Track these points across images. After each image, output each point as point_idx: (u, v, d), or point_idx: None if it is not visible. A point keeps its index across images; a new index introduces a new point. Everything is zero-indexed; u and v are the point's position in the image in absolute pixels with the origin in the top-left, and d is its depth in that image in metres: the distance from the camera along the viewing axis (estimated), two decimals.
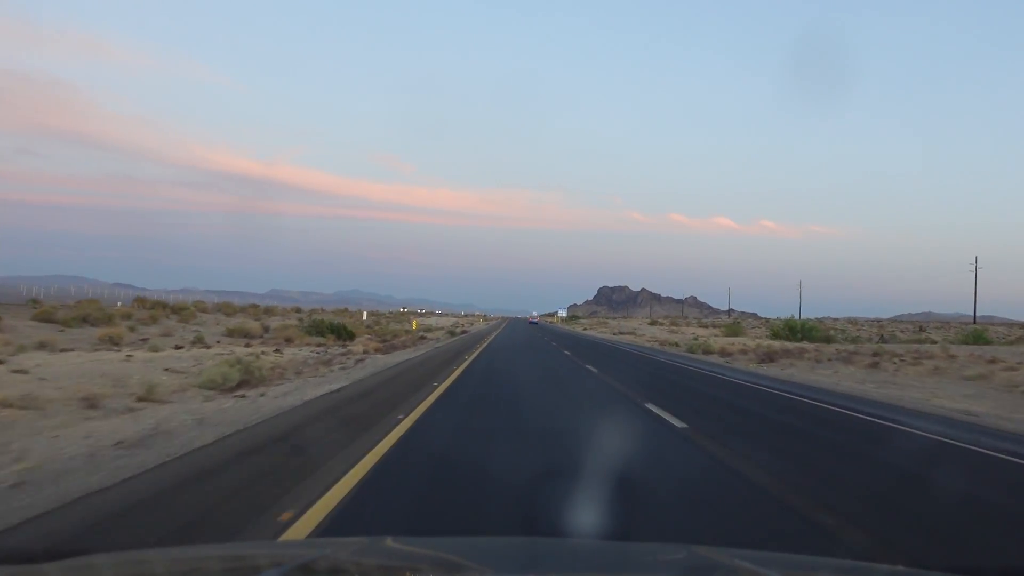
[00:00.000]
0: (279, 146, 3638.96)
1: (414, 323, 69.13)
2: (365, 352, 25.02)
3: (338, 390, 13.10)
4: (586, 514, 4.99)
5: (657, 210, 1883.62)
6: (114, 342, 24.91)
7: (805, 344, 42.06)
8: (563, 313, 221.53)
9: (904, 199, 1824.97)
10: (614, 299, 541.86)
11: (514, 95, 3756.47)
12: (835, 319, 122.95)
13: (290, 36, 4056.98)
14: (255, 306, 74.97)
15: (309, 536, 4.56)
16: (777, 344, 40.88)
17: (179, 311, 45.51)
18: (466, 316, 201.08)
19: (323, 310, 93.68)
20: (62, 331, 28.01)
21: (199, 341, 28.06)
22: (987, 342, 43.61)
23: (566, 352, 32.81)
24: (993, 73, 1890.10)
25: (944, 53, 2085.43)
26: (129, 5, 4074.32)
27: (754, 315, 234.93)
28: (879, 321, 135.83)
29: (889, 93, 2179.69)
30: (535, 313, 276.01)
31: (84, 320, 32.09)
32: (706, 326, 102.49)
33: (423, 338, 42.28)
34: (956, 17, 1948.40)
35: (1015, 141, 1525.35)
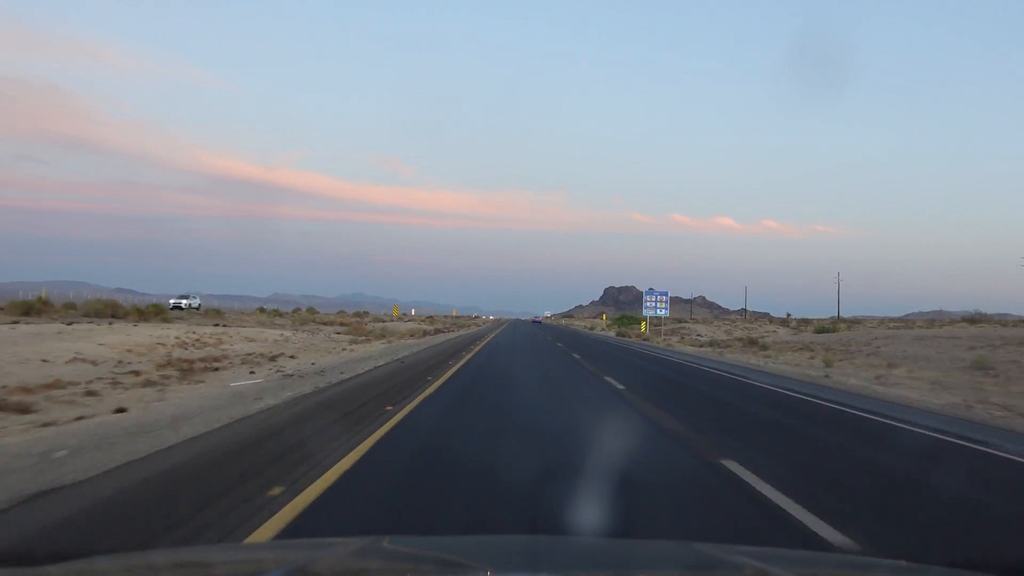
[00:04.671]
0: (280, 150, 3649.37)
1: None
2: None
3: None
4: None
5: (658, 210, 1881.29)
6: None
7: None
8: (660, 309, 66.55)
9: (907, 197, 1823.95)
10: (621, 299, 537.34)
11: (513, 97, 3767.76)
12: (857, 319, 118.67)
13: (289, 40, 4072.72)
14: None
15: None
16: None
17: None
18: (430, 319, 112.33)
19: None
20: None
21: None
22: None
23: None
24: (998, 67, 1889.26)
25: (946, 50, 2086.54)
26: (128, 10, 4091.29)
27: (767, 315, 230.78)
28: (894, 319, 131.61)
29: (892, 90, 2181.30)
30: (548, 312, 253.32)
31: None
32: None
33: None
34: (959, 14, 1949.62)
35: (1020, 135, 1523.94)
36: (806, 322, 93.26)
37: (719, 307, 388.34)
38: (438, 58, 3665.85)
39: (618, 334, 75.01)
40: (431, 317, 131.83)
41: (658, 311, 64.05)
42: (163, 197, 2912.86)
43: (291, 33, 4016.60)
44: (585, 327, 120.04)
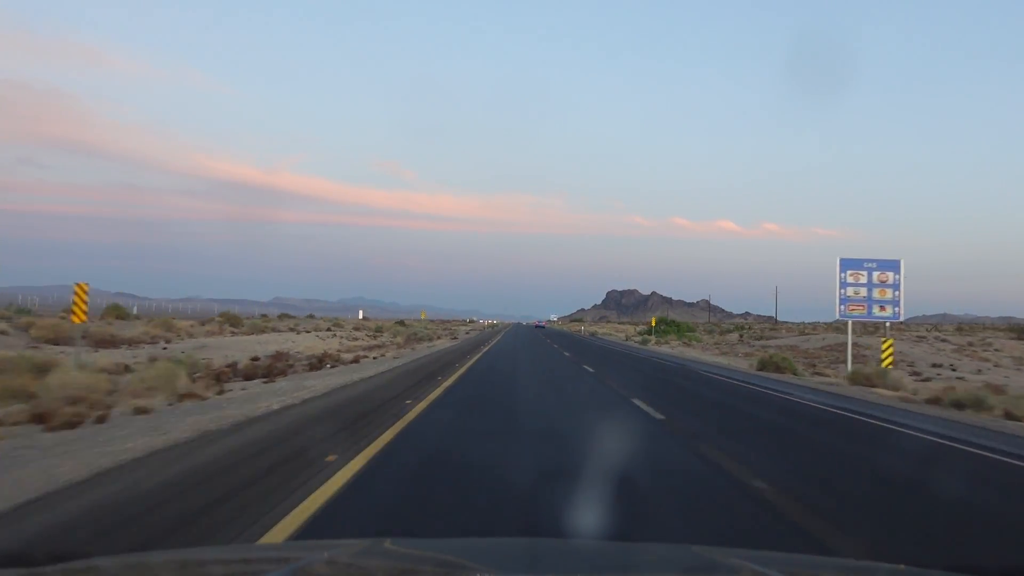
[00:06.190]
0: (280, 153, 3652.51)
1: None
2: None
3: None
4: None
5: (659, 214, 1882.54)
6: None
7: None
8: (879, 306, 27.03)
9: (907, 199, 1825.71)
10: (623, 303, 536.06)
11: (513, 100, 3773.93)
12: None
13: (289, 43, 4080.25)
14: None
15: None
16: None
17: None
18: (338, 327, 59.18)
19: None
20: None
21: None
22: None
23: None
24: (995, 71, 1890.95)
25: (944, 53, 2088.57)
26: (127, 14, 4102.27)
27: (770, 319, 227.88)
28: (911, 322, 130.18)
29: (890, 93, 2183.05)
30: (554, 316, 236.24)
31: None
32: None
33: None
34: (956, 17, 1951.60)
35: (1018, 138, 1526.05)
36: None
37: (722, 311, 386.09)
38: (439, 62, 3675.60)
39: (763, 365, 30.72)
40: (401, 322, 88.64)
41: (873, 309, 27.73)
42: (164, 201, 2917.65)
43: (292, 36, 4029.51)
44: (626, 339, 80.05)
